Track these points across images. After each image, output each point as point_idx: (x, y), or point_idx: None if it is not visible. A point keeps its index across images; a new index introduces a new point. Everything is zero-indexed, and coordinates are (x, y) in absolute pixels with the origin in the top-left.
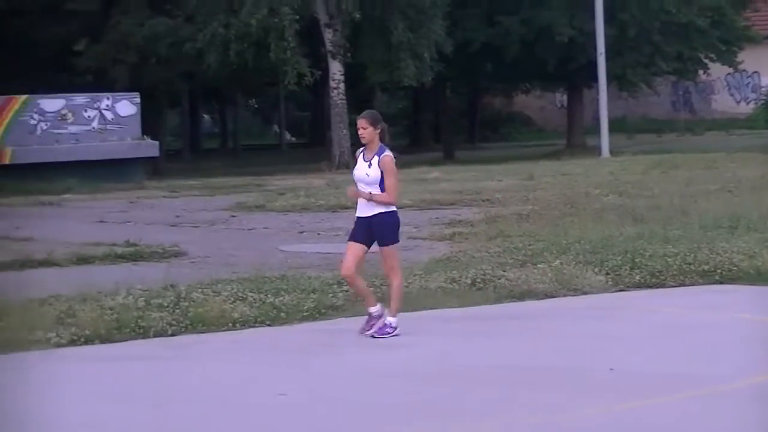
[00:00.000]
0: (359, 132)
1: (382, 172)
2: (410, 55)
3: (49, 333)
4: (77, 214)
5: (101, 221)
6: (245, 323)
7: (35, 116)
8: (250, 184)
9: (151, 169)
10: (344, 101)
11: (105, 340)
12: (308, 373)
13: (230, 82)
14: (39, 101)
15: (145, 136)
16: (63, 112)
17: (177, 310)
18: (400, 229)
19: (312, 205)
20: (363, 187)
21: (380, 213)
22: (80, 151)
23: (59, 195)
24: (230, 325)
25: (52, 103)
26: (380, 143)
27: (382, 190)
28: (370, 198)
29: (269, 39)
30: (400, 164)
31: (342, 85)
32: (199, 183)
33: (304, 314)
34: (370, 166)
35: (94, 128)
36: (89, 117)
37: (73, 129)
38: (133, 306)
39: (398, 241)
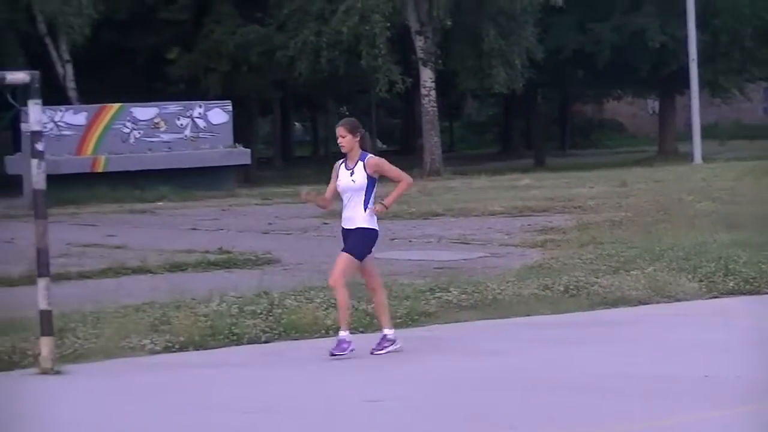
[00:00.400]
0: (338, 141)
1: (368, 176)
2: (501, 62)
3: (144, 340)
4: (170, 222)
5: (194, 228)
6: (338, 330)
7: (128, 124)
8: None
9: (243, 176)
10: (435, 108)
11: (199, 346)
12: (401, 380)
13: (321, 89)
14: (132, 109)
15: (237, 144)
16: (156, 120)
17: (270, 317)
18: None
19: (403, 212)
20: (351, 195)
21: (360, 228)
22: (173, 159)
23: (152, 203)
24: (323, 332)
25: (144, 112)
26: (361, 150)
27: (368, 194)
28: (388, 206)
29: (360, 46)
30: (491, 171)
31: (433, 93)
32: (290, 190)
33: (397, 321)
34: (352, 174)
35: (186, 136)
36: (182, 125)
37: (165, 137)
38: (227, 313)
39: (360, 257)
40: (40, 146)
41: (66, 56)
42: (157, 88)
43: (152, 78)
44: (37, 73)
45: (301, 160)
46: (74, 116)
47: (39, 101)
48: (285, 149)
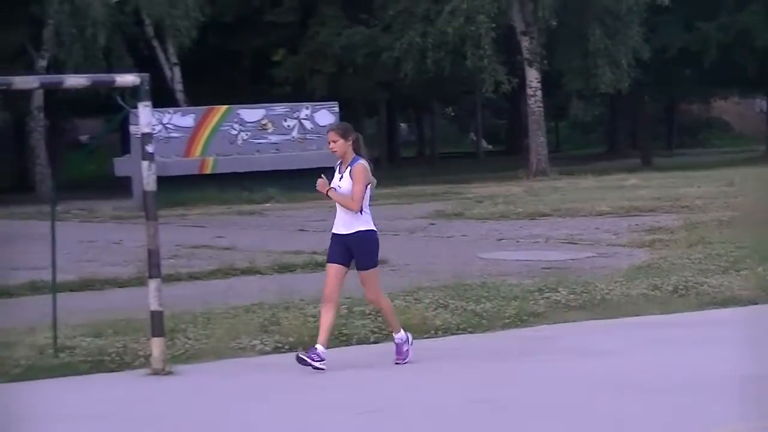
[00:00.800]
0: (330, 146)
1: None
2: (607, 62)
3: (254, 340)
4: (278, 223)
5: (301, 230)
6: (447, 330)
7: (236, 126)
8: (448, 192)
9: None
10: (541, 108)
11: (308, 347)
12: (510, 381)
13: (427, 90)
14: (239, 111)
15: None
16: (263, 121)
17: (379, 318)
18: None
19: (510, 212)
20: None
21: (359, 231)
22: (280, 160)
23: (260, 204)
24: (432, 332)
25: (252, 113)
26: (354, 154)
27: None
28: (327, 191)
29: (466, 47)
30: (597, 171)
31: (539, 93)
32: (397, 191)
33: (506, 321)
34: (341, 178)
35: (293, 138)
36: (289, 126)
37: (273, 138)
38: (336, 314)
39: (377, 264)
40: (150, 148)
41: (173, 59)
42: (263, 89)
43: (258, 80)
44: (146, 75)
45: (407, 160)
46: (182, 118)
47: (149, 103)
48: (391, 150)
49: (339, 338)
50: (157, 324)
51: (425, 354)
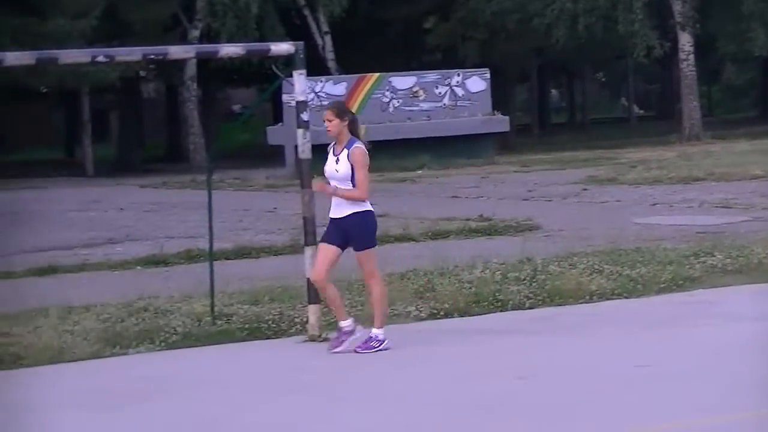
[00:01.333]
0: (325, 125)
1: (352, 166)
2: (761, 25)
3: (409, 307)
4: (430, 190)
5: (454, 196)
6: (602, 296)
7: (387, 94)
8: (601, 158)
9: (501, 144)
10: (694, 73)
11: (464, 313)
12: (671, 346)
13: (578, 55)
14: (391, 79)
15: (495, 112)
16: (414, 89)
17: (534, 284)
18: (378, 230)
19: (663, 177)
20: (334, 184)
21: (353, 214)
22: (432, 127)
23: (412, 171)
24: (587, 297)
25: (403, 81)
26: (350, 136)
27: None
28: (334, 192)
29: (617, 12)
30: (751, 135)
31: (691, 57)
32: (549, 157)
33: (661, 286)
34: (338, 161)
35: (445, 105)
36: (440, 94)
37: (424, 106)
38: (491, 280)
39: (375, 244)
40: (305, 116)
41: (324, 27)
42: (414, 57)
43: (409, 47)
44: (301, 44)
45: (558, 126)
46: (334, 87)
47: (303, 72)
48: (542, 116)
49: (494, 304)
50: (313, 291)
51: (581, 319)
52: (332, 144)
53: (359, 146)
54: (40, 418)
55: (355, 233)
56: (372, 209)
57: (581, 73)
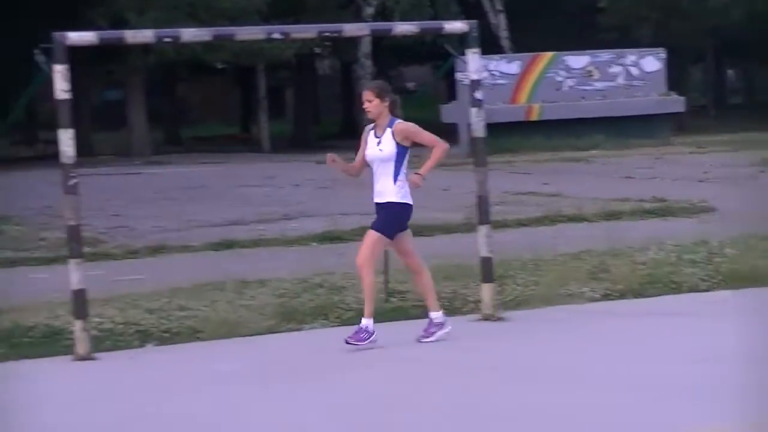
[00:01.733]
0: (364, 105)
1: (397, 145)
2: None
3: (583, 287)
4: (604, 171)
5: (628, 177)
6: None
7: (561, 73)
8: None
9: (676, 124)
10: None
11: (638, 294)
12: None
13: (756, 35)
14: (565, 58)
15: (670, 92)
16: (588, 68)
17: (710, 266)
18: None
19: None
20: (379, 166)
21: (389, 201)
22: (606, 107)
23: (586, 151)
24: (765, 281)
25: (577, 60)
26: (390, 116)
27: (398, 165)
28: (422, 177)
29: None
30: None
31: None
32: (725, 138)
33: None
34: (380, 143)
35: (619, 84)
36: (614, 73)
37: (599, 85)
38: (665, 261)
39: (390, 236)
40: (479, 95)
41: (498, 6)
42: (588, 36)
43: (583, 26)
44: (474, 22)
45: (735, 108)
46: (508, 65)
47: (477, 50)
48: (718, 97)
49: (669, 286)
50: (487, 270)
51: (759, 304)
52: (372, 126)
53: (402, 121)
54: (219, 389)
55: (382, 216)
56: (411, 203)
57: (760, 54)
